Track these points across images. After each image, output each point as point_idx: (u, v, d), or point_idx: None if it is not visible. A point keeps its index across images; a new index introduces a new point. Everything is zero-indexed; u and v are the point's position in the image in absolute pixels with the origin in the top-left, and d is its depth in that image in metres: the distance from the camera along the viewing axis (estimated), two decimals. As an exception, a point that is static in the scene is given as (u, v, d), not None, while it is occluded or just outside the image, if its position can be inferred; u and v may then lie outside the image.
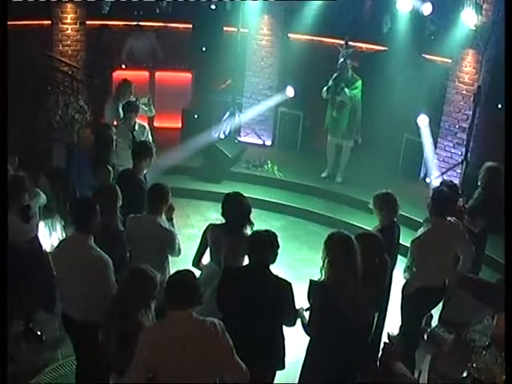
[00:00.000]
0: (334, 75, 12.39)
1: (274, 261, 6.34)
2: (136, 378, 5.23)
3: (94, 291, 6.27)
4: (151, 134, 10.52)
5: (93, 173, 9.21)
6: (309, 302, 6.28)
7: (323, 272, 6.19)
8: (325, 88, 12.46)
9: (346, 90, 12.17)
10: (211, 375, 5.34)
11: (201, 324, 5.28)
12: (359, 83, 12.35)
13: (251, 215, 7.27)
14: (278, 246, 6.34)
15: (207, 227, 7.41)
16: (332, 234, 6.28)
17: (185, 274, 5.42)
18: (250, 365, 5.51)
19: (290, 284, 6.27)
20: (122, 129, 10.15)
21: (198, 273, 7.28)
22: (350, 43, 12.91)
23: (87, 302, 6.31)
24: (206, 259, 7.49)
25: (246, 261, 6.53)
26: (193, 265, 7.40)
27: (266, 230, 6.41)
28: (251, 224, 7.21)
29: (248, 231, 7.16)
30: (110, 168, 8.88)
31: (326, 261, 6.16)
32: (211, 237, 7.31)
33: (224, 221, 7.26)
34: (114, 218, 7.39)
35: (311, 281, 6.27)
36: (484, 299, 7.67)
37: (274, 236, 6.35)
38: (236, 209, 7.24)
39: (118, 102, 10.96)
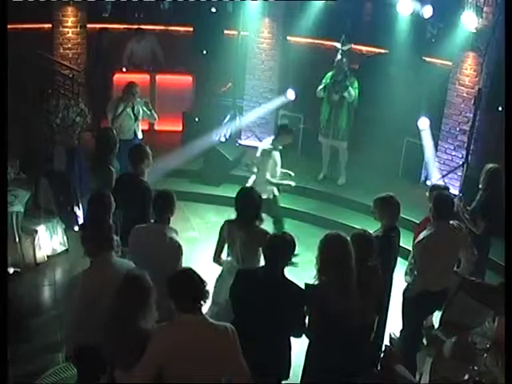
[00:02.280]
0: (330, 73, 12.37)
1: (287, 264, 6.33)
2: (144, 375, 5.25)
3: None
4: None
5: (93, 174, 9.19)
6: (305, 305, 6.28)
7: (318, 273, 6.22)
8: (320, 86, 12.43)
9: (350, 88, 12.16)
10: (217, 378, 5.38)
11: (214, 329, 5.34)
12: (356, 83, 12.30)
13: (261, 209, 7.40)
14: (295, 250, 6.33)
15: (223, 223, 7.51)
16: (327, 234, 6.30)
17: (191, 275, 5.43)
18: (256, 369, 5.52)
19: (302, 290, 6.22)
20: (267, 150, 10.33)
21: (219, 268, 7.57)
22: (346, 42, 12.89)
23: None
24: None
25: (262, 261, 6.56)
26: (213, 261, 7.58)
27: (285, 233, 6.44)
28: (261, 219, 7.36)
29: (260, 225, 7.32)
30: (112, 169, 8.88)
31: (320, 262, 6.18)
32: (226, 232, 7.41)
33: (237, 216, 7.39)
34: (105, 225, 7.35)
35: (306, 284, 6.27)
36: (485, 302, 7.66)
37: (293, 240, 6.33)
38: (246, 203, 7.36)
39: (121, 103, 10.95)
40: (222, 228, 7.52)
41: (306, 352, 6.40)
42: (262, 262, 6.83)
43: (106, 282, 6.00)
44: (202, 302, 5.36)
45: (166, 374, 5.25)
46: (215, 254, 7.60)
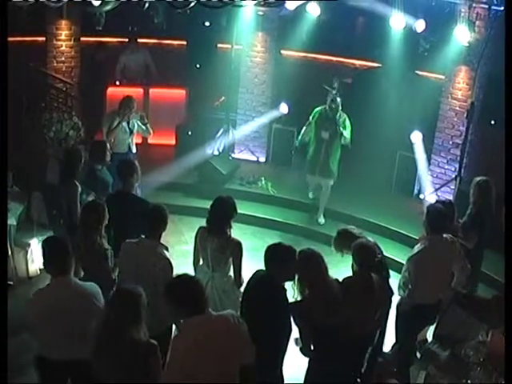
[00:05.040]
0: (318, 109, 11.87)
1: (292, 278, 6.39)
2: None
3: (86, 326, 6.06)
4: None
5: (60, 189, 9.15)
6: (295, 323, 6.30)
7: (296, 289, 6.29)
8: (307, 125, 12.02)
9: (344, 133, 11.60)
10: (236, 365, 5.51)
11: (224, 320, 5.49)
12: (347, 120, 11.73)
13: (232, 218, 7.42)
14: (293, 264, 6.34)
15: (198, 230, 7.52)
16: (301, 251, 6.41)
17: (190, 279, 5.53)
18: None
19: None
20: None
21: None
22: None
23: (81, 338, 6.08)
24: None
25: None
26: (193, 266, 7.61)
27: (283, 245, 6.46)
28: (230, 227, 7.37)
29: (231, 233, 7.35)
30: (77, 183, 8.84)
31: (296, 278, 6.25)
32: (199, 239, 7.43)
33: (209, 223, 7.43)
34: (99, 236, 7.32)
35: (291, 303, 6.31)
36: (478, 315, 7.67)
37: (291, 251, 6.39)
38: (218, 210, 7.38)
39: (116, 117, 10.93)
40: (196, 234, 7.54)
41: (307, 369, 6.46)
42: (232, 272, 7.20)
43: (58, 305, 5.98)
44: (206, 303, 5.45)
45: (194, 376, 5.28)
46: (194, 260, 7.63)
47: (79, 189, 8.79)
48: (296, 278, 6.30)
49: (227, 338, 5.40)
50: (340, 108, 11.70)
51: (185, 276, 5.57)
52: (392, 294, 7.67)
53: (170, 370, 5.33)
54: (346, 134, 11.64)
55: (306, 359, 6.52)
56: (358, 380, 6.78)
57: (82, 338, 6.04)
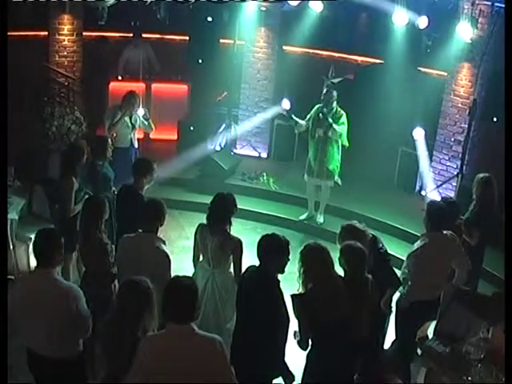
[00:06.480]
0: (317, 106, 11.59)
1: (282, 270, 6.39)
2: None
3: (63, 326, 6.03)
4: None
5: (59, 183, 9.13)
6: (295, 316, 6.30)
7: (303, 284, 6.27)
8: (301, 121, 11.74)
9: (334, 125, 11.22)
10: None
11: (202, 340, 5.26)
12: (344, 117, 11.41)
13: (232, 215, 7.43)
14: (288, 254, 6.38)
15: (197, 227, 7.52)
16: (307, 245, 6.39)
17: (186, 286, 5.35)
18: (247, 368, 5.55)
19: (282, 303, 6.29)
20: None
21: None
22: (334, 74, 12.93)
23: (59, 338, 6.07)
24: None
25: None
26: (193, 263, 7.62)
27: (276, 235, 6.50)
28: (230, 224, 7.36)
29: (231, 231, 7.35)
30: (74, 180, 8.80)
31: (301, 272, 6.25)
32: (199, 236, 7.43)
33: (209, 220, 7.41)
34: (98, 230, 7.34)
35: (292, 296, 6.30)
36: (479, 312, 7.67)
37: (284, 242, 6.42)
38: (218, 208, 7.38)
39: (118, 111, 10.92)
40: (196, 231, 7.53)
41: (305, 365, 6.46)
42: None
43: (34, 295, 5.96)
44: (192, 314, 5.30)
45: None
46: (193, 257, 7.63)
47: (75, 185, 8.77)
48: (302, 270, 6.28)
49: (197, 357, 5.19)
50: (335, 102, 11.41)
51: (179, 281, 5.40)
52: (399, 284, 7.67)
53: (134, 368, 5.21)
54: (339, 129, 11.26)
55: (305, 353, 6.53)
56: (357, 375, 6.80)
57: (61, 338, 6.05)
